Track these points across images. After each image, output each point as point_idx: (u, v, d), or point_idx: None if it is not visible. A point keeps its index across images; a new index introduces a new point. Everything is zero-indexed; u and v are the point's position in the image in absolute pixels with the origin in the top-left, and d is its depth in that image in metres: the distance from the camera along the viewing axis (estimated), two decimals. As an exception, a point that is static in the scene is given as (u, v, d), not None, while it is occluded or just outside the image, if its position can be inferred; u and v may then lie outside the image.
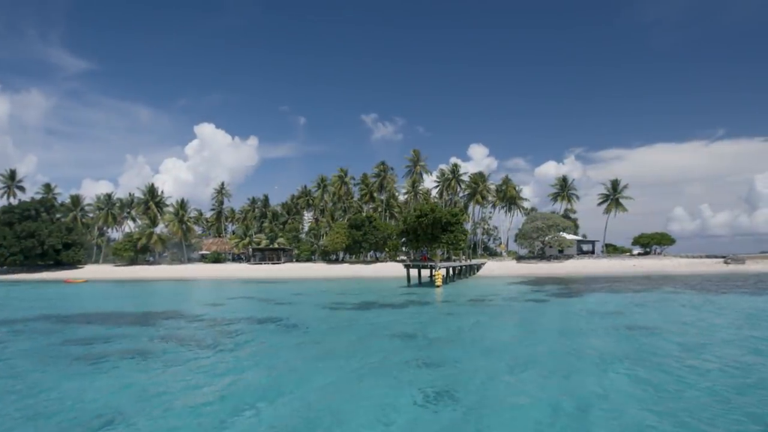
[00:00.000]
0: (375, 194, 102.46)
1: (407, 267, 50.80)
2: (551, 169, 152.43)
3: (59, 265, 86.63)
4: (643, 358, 14.41)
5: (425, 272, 53.22)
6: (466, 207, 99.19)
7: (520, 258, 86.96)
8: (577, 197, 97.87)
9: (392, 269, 73.44)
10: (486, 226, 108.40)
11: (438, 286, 43.46)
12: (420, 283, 49.20)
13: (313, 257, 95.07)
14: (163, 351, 16.54)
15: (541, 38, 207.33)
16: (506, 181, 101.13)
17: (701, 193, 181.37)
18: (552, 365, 13.80)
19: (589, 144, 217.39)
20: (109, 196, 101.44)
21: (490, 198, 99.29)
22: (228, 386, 12.16)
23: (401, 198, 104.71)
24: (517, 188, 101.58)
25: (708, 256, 76.67)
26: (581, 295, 35.53)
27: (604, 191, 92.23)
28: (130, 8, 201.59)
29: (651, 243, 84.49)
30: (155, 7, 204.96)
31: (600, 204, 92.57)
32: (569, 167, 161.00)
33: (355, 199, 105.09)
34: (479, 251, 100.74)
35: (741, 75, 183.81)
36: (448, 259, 69.30)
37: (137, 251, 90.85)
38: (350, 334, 20.08)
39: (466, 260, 68.83)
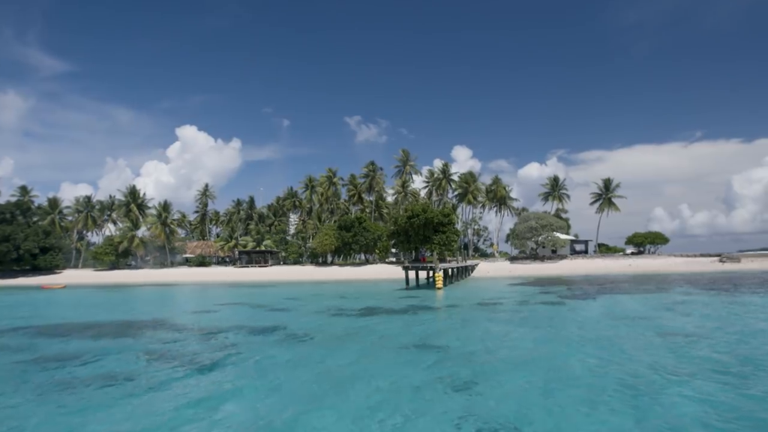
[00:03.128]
0: (363, 195, 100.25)
1: (406, 269, 48.62)
2: (534, 171, 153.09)
3: (36, 270, 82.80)
4: (725, 372, 12.51)
5: (423, 274, 51.18)
6: (455, 207, 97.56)
7: (513, 258, 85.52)
8: (568, 197, 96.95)
9: (384, 271, 71.40)
10: (476, 227, 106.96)
11: (439, 289, 41.44)
12: (418, 285, 47.12)
13: (301, 260, 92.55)
14: (145, 372, 14.20)
15: (523, 41, 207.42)
16: (496, 181, 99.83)
17: (680, 194, 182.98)
18: (611, 385, 11.80)
19: (571, 146, 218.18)
20: (88, 198, 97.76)
21: (480, 198, 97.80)
22: (222, 419, 9.95)
23: (389, 199, 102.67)
24: (507, 188, 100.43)
25: (702, 255, 75.98)
26: (595, 298, 33.69)
27: (597, 190, 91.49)
28: (111, 8, 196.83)
29: (645, 242, 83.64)
30: (136, 7, 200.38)
31: (593, 203, 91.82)
32: (552, 169, 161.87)
33: (343, 200, 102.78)
34: (470, 252, 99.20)
35: (718, 77, 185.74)
36: (441, 260, 67.48)
37: (118, 255, 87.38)
38: (357, 345, 17.90)
39: (462, 261, 66.95)
